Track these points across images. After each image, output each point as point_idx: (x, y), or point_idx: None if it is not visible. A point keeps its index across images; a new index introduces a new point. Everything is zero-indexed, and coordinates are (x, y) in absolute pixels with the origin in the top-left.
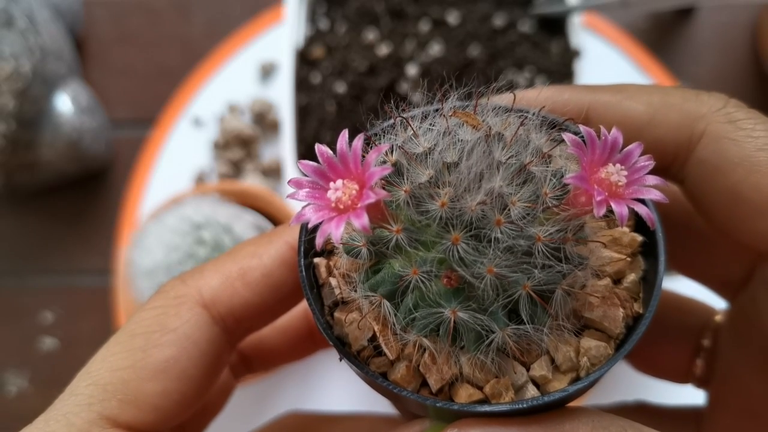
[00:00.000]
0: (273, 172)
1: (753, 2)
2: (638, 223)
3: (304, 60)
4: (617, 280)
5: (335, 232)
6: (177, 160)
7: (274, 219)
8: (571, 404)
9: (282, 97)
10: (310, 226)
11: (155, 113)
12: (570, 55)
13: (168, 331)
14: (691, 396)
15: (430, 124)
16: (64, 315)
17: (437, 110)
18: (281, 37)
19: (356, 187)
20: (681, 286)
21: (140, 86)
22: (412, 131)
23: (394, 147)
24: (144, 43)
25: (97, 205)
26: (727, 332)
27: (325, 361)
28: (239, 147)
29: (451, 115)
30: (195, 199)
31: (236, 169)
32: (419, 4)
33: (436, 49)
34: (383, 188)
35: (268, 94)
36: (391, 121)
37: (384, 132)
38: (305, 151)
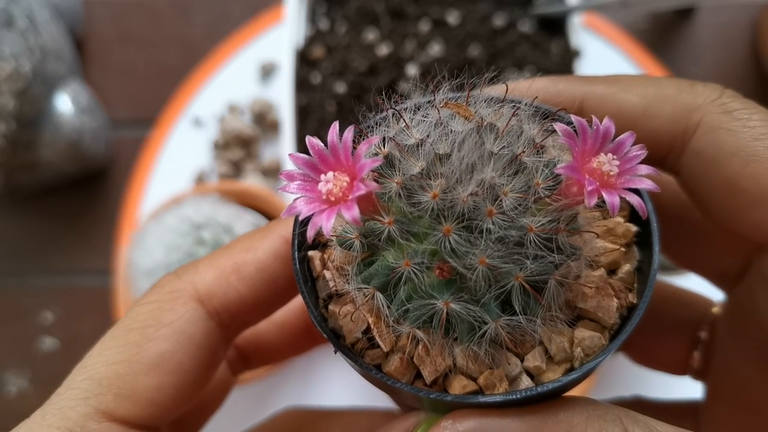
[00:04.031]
0: (273, 172)
1: (753, 2)
2: (633, 213)
3: (304, 60)
4: (612, 270)
5: (326, 224)
6: (177, 160)
7: (274, 219)
8: (567, 394)
9: (282, 97)
10: (300, 218)
11: (155, 113)
12: (570, 55)
13: (163, 325)
14: (689, 392)
15: (423, 115)
16: (64, 315)
17: (429, 102)
18: (281, 37)
19: (347, 179)
20: (683, 281)
21: (140, 86)
22: (404, 123)
23: (386, 139)
24: (144, 43)
25: (97, 205)
26: (725, 324)
27: (323, 357)
28: (239, 147)
29: (443, 106)
30: (195, 199)
31: (236, 169)
32: (419, 4)
33: (436, 49)
34: (375, 180)
35: (268, 94)
36: (384, 113)
37: (376, 124)
38: (305, 151)
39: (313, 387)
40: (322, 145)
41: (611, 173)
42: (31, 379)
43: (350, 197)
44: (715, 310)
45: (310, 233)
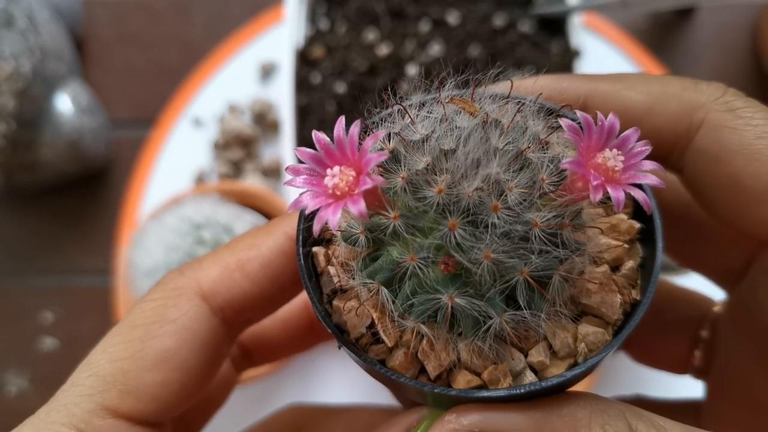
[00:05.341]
0: (273, 172)
1: (753, 2)
2: (636, 210)
3: (304, 60)
4: (615, 266)
5: (332, 218)
6: (177, 160)
7: (274, 218)
8: (570, 389)
9: (282, 97)
10: (307, 212)
11: (155, 113)
12: (570, 55)
13: (167, 322)
14: (688, 391)
15: (428, 111)
16: (64, 315)
17: (434, 98)
18: (281, 37)
19: (353, 173)
20: (683, 280)
21: (140, 86)
22: (409, 119)
23: (392, 134)
24: (144, 43)
25: (97, 205)
26: (726, 322)
27: (323, 356)
28: (239, 147)
29: (449, 102)
30: (195, 199)
31: (236, 169)
32: (419, 4)
33: (436, 49)
34: (381, 175)
35: (268, 94)
36: (390, 109)
37: (382, 120)
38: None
39: (313, 386)
40: (328, 139)
41: (616, 168)
42: (31, 379)
43: (356, 191)
44: (717, 309)
45: (317, 227)
